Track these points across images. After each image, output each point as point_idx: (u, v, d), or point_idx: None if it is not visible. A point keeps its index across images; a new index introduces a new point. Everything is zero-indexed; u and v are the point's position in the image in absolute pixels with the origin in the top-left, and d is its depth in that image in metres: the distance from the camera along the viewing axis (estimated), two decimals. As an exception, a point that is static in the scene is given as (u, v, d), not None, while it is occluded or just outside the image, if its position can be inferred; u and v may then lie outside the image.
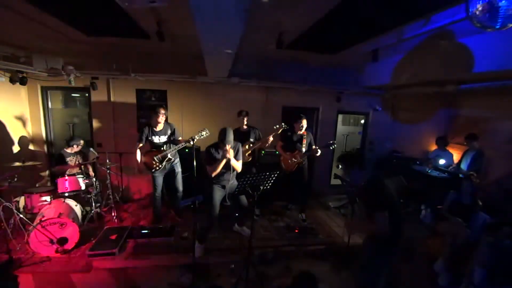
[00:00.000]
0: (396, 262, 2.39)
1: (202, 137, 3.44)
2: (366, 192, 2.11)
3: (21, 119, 4.36)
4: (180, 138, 3.81)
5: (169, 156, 3.71)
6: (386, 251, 2.11)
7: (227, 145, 2.96)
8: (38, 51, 4.09)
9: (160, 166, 3.70)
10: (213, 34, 2.38)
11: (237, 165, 3.17)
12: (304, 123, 4.07)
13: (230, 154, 3.00)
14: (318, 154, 3.95)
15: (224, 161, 3.04)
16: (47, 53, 4.11)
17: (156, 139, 3.73)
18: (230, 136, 2.99)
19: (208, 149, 3.18)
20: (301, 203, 4.47)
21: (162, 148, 3.73)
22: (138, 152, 3.71)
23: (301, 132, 4.10)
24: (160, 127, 3.72)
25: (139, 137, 3.71)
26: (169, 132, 3.81)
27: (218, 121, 4.94)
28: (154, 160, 3.66)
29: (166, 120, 3.79)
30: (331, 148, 4.09)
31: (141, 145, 3.71)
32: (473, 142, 4.27)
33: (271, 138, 4.07)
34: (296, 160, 4.09)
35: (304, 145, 4.10)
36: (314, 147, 4.12)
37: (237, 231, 3.79)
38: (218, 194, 3.23)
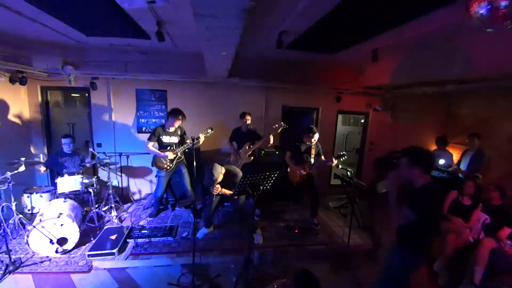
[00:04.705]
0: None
1: (208, 134, 3.84)
2: (417, 191, 2.04)
3: (20, 119, 4.35)
4: (188, 141, 3.98)
5: (179, 154, 3.94)
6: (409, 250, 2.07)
7: (215, 185, 3.29)
8: (38, 51, 4.09)
9: (171, 165, 3.94)
10: (213, 33, 2.37)
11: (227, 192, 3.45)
12: (316, 137, 3.86)
13: (218, 190, 3.35)
14: (335, 164, 3.75)
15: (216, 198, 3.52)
16: (47, 53, 4.10)
17: (166, 139, 3.91)
18: (216, 175, 3.27)
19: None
20: (313, 210, 4.25)
21: (171, 148, 3.90)
22: (153, 148, 3.90)
23: (309, 143, 3.95)
24: (173, 129, 3.93)
25: (151, 136, 3.88)
26: (179, 133, 4.01)
27: (218, 121, 4.97)
28: (165, 161, 3.88)
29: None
30: (341, 160, 3.80)
31: (152, 143, 3.89)
32: (475, 140, 4.27)
33: (271, 138, 4.05)
34: (305, 172, 3.94)
35: (312, 156, 3.96)
36: (323, 158, 3.98)
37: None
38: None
